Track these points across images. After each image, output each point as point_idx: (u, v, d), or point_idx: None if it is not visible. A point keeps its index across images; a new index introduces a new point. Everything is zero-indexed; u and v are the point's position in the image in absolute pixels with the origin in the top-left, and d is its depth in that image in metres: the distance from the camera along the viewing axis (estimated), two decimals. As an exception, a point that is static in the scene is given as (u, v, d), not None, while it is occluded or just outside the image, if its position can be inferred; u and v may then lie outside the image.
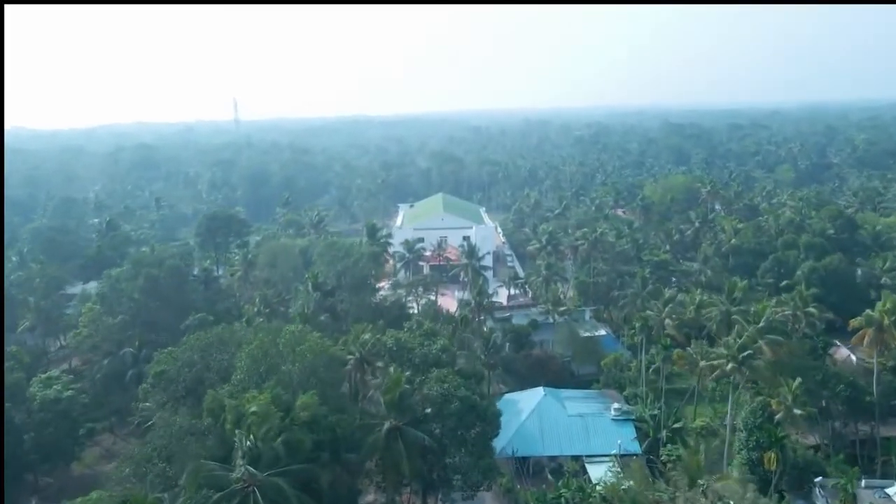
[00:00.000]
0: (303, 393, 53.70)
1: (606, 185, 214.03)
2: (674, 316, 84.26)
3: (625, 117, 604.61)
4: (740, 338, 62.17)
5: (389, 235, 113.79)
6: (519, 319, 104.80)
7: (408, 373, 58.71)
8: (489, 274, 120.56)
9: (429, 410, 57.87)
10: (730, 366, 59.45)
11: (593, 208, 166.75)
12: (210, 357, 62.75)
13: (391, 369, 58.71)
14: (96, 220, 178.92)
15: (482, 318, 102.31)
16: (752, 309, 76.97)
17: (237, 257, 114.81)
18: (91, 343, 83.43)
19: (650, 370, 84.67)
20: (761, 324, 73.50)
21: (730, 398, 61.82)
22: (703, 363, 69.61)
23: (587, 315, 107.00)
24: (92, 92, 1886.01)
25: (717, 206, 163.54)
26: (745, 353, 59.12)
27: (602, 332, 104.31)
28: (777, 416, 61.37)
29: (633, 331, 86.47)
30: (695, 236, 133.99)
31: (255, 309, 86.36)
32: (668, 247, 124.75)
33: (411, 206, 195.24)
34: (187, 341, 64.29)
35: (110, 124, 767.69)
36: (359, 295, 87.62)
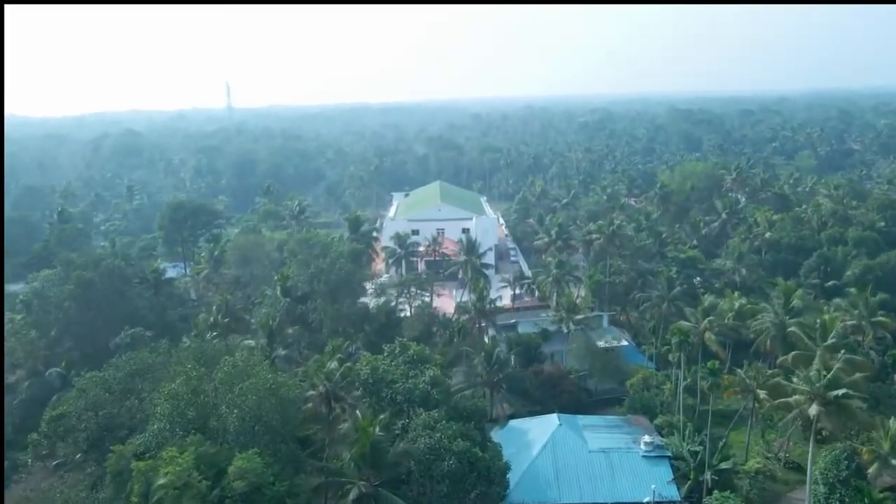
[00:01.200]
0: (240, 452, 39.36)
1: (617, 173, 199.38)
2: (716, 328, 69.79)
3: (629, 104, 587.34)
4: (827, 371, 47.26)
5: (376, 229, 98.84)
6: (526, 327, 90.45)
7: (383, 416, 44.34)
8: (491, 272, 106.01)
9: (412, 464, 43.68)
10: (814, 408, 44.99)
11: (605, 197, 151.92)
12: (136, 390, 48.45)
13: (360, 412, 44.28)
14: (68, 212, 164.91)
15: (483, 324, 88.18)
16: (819, 321, 62.30)
17: (203, 254, 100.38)
18: (10, 361, 68.97)
19: (680, 387, 70.32)
20: (829, 341, 59.11)
21: (810, 447, 47.36)
22: (762, 394, 55.21)
23: (605, 321, 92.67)
24: (87, 79, 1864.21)
25: (741, 196, 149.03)
26: (840, 393, 44.40)
27: (623, 342, 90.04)
28: (869, 471, 46.97)
29: (666, 346, 71.91)
30: (721, 229, 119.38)
31: (212, 319, 71.92)
32: (694, 241, 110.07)
33: (406, 195, 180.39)
34: (106, 371, 49.79)
35: (104, 112, 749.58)
36: (338, 301, 73.09)
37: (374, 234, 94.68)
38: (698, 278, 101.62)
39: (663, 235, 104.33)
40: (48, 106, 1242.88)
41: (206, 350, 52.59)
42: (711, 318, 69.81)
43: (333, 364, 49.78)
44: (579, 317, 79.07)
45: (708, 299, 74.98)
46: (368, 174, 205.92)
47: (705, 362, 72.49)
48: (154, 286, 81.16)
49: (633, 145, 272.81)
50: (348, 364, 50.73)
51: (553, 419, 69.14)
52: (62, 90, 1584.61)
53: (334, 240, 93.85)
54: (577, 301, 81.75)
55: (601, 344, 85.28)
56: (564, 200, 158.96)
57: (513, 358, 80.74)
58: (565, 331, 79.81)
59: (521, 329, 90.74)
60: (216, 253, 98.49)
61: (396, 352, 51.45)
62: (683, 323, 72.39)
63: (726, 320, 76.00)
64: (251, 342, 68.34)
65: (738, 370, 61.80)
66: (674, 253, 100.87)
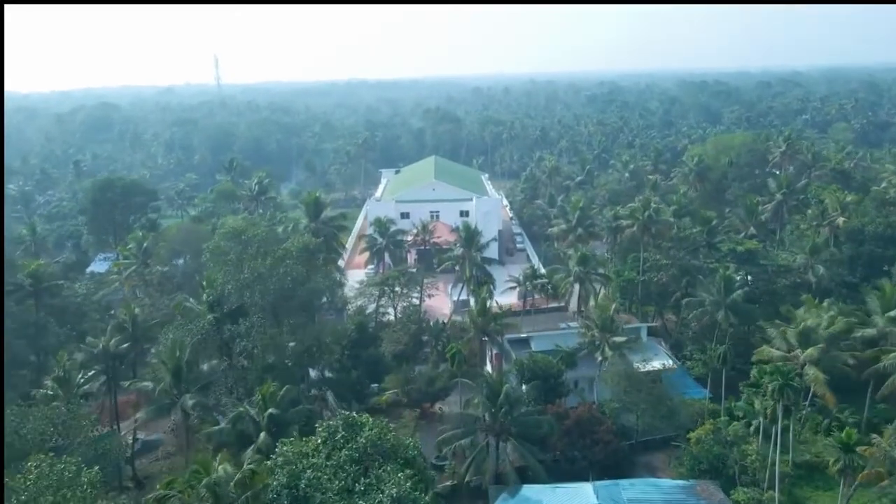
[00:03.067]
0: None
1: (634, 147, 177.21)
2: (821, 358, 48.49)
3: (636, 79, 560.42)
4: None
5: (342, 216, 76.49)
6: (542, 343, 69.20)
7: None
8: (495, 267, 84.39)
9: None
10: None
11: (627, 174, 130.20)
12: None
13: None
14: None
15: (484, 339, 66.89)
16: None
17: (131, 245, 78.92)
18: None
19: (775, 450, 49.25)
20: None
21: None
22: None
23: (643, 333, 71.25)
24: (80, 55, 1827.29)
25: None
26: None
27: (669, 362, 68.90)
28: None
29: (750, 387, 50.63)
30: (774, 213, 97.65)
31: (101, 344, 50.57)
32: (752, 229, 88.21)
33: (397, 171, 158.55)
34: None
35: (93, 87, 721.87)
36: (283, 319, 51.79)
37: (337, 222, 71.79)
38: (746, 276, 79.71)
39: (713, 222, 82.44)
40: (37, 81, 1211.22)
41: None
42: (821, 346, 48.32)
43: (224, 469, 28.53)
44: (620, 339, 57.38)
45: (805, 316, 53.34)
46: (356, 148, 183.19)
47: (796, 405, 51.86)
48: (34, 295, 59.68)
49: (647, 118, 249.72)
50: (251, 465, 29.51)
51: (587, 492, 48.41)
52: (54, 66, 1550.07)
53: (288, 229, 72.02)
54: (614, 311, 59.75)
55: (642, 367, 64.02)
56: (579, 178, 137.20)
57: (524, 389, 59.85)
58: (600, 359, 58.18)
59: (535, 345, 69.52)
60: (145, 244, 77.20)
61: (338, 438, 30.05)
62: (771, 350, 51.17)
63: (819, 338, 54.90)
64: (148, 384, 47.20)
65: (877, 437, 40.43)
66: (729, 245, 79.34)
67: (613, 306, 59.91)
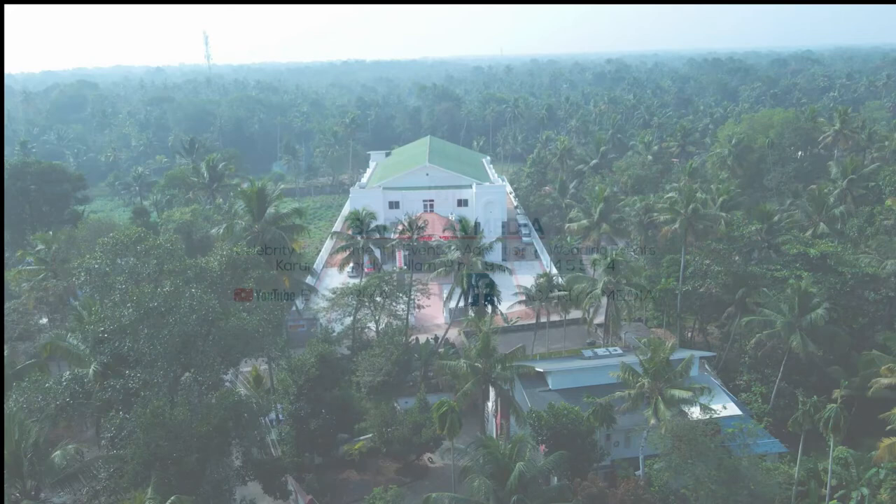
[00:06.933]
0: None
1: (651, 127, 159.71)
2: None
3: (642, 59, 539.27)
4: None
5: (298, 213, 59.26)
6: (561, 380, 52.79)
7: None
8: (499, 276, 67.27)
9: None
10: None
11: (650, 157, 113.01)
12: None
13: None
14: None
15: (492, 377, 50.03)
16: None
17: (39, 247, 62.20)
18: None
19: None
20: None
21: None
22: None
23: (695, 367, 54.42)
24: (75, 36, 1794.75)
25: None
26: None
27: (731, 403, 52.56)
28: None
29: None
30: (837, 203, 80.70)
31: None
32: (823, 226, 71.13)
33: (387, 154, 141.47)
34: None
35: (88, 68, 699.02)
36: (194, 376, 35.13)
37: (291, 220, 54.78)
38: (826, 287, 63.11)
39: (775, 217, 65.57)
40: (29, 62, 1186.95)
41: None
42: None
43: None
44: (682, 394, 40.42)
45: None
46: (343, 129, 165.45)
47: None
48: None
49: (661, 96, 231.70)
50: None
51: None
52: (48, 47, 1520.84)
53: (219, 232, 54.83)
54: (671, 349, 42.68)
55: (697, 412, 46.90)
56: (593, 161, 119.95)
57: (543, 455, 43.40)
58: (653, 421, 41.43)
59: (552, 383, 53.09)
60: (55, 247, 60.51)
61: None
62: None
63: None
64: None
65: None
66: (797, 246, 62.58)
67: (671, 343, 42.97)
